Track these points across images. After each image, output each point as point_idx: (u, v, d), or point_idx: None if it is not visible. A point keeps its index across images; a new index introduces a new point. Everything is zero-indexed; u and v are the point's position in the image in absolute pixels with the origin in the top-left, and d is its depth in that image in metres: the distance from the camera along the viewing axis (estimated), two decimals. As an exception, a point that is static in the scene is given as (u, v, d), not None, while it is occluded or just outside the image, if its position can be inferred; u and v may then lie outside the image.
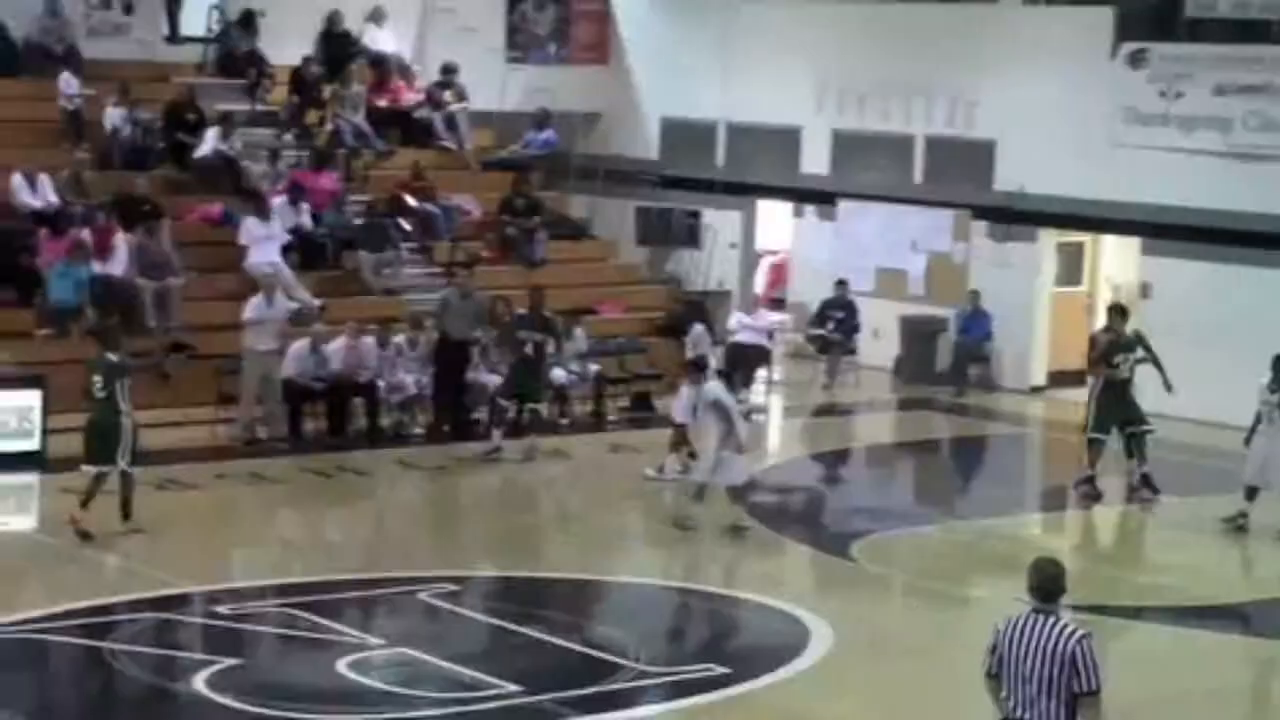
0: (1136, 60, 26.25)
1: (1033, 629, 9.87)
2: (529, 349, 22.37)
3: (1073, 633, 9.83)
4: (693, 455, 19.96)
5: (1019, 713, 9.86)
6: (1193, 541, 19.64)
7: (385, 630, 15.68)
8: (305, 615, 15.70)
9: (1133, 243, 27.15)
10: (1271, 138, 24.95)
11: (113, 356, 18.03)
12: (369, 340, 23.04)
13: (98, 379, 17.85)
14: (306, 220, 25.74)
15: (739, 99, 30.45)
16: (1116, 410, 20.79)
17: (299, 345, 22.63)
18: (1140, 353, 20.95)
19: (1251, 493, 19.56)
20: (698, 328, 23.21)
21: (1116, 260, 28.29)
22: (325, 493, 20.81)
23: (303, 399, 22.55)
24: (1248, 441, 19.62)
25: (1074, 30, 27.13)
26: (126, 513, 18.01)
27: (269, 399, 22.29)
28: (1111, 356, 20.74)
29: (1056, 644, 9.79)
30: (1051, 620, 9.87)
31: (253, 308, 22.36)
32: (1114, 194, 26.33)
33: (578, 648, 15.18)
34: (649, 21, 31.94)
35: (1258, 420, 19.56)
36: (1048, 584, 9.98)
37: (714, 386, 19.17)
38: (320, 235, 25.87)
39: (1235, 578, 18.75)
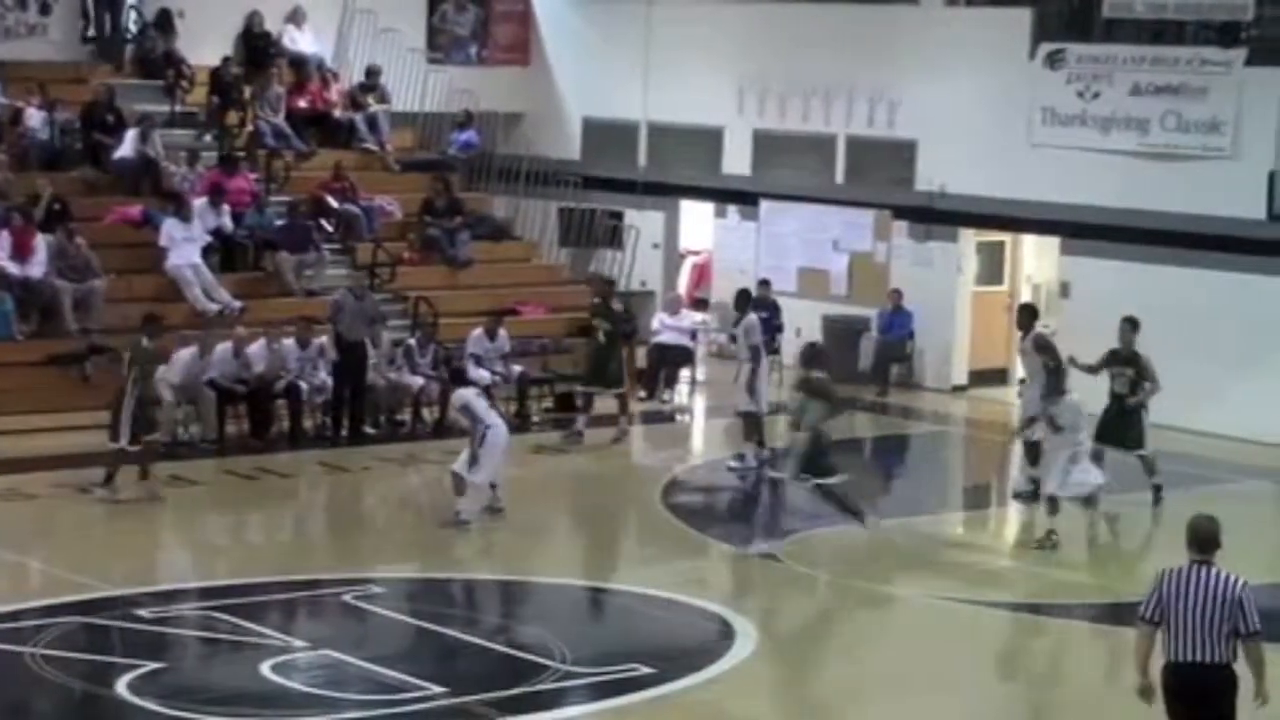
0: (1054, 61, 26.42)
1: (1197, 578, 10.86)
2: (601, 337, 23.35)
3: (1236, 580, 10.87)
4: (761, 443, 22.12)
5: (1188, 655, 10.81)
6: (1117, 539, 19.80)
7: (309, 632, 15.65)
8: (228, 618, 15.64)
9: (1052, 242, 27.34)
10: (1187, 138, 25.15)
11: (146, 342, 19.56)
12: (289, 342, 22.93)
13: (126, 357, 19.36)
14: (227, 222, 25.61)
15: (660, 100, 30.48)
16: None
17: (222, 348, 22.51)
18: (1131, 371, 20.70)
19: None
20: (751, 317, 23.23)
21: (1036, 260, 28.50)
22: (247, 495, 20.71)
23: (225, 401, 22.43)
24: None
25: (993, 31, 27.27)
26: (143, 474, 19.55)
27: (200, 401, 22.21)
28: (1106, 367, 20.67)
29: (1222, 589, 10.80)
30: (1214, 569, 10.86)
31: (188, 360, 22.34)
32: (1033, 194, 26.49)
33: (503, 649, 15.18)
34: (570, 22, 31.94)
35: None
36: (1206, 537, 10.95)
37: (465, 393, 19.55)
38: (241, 237, 25.76)
39: (1154, 575, 18.84)
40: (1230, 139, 24.72)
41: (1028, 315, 21.53)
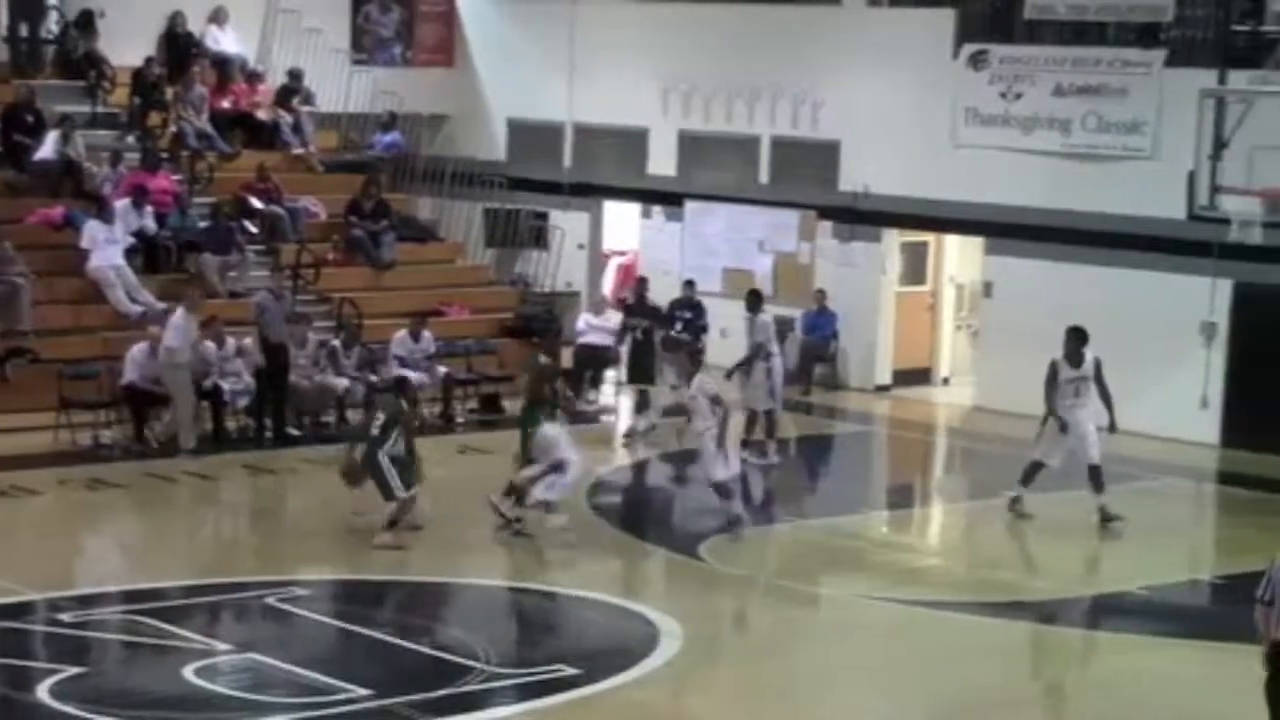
0: (977, 61, 26.57)
1: None
2: (638, 334, 24.48)
3: None
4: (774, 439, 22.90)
5: None
6: (1039, 538, 19.91)
7: (232, 635, 15.58)
8: (151, 621, 15.54)
9: (976, 242, 27.49)
10: (1109, 138, 25.35)
11: (405, 406, 18.77)
12: (208, 344, 22.77)
13: (379, 417, 18.58)
14: (150, 223, 25.48)
15: (585, 100, 30.48)
16: None
17: (139, 349, 22.35)
18: None
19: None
20: (763, 316, 23.21)
21: (960, 260, 28.64)
22: (170, 497, 20.59)
23: (145, 403, 22.26)
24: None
25: (916, 31, 27.40)
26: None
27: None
28: None
29: None
30: None
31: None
32: (956, 194, 26.64)
33: (428, 650, 15.15)
34: (494, 23, 31.90)
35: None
36: None
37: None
38: (164, 238, 25.61)
39: (1078, 573, 19.01)
40: (1150, 139, 24.93)
41: (1080, 340, 20.28)
